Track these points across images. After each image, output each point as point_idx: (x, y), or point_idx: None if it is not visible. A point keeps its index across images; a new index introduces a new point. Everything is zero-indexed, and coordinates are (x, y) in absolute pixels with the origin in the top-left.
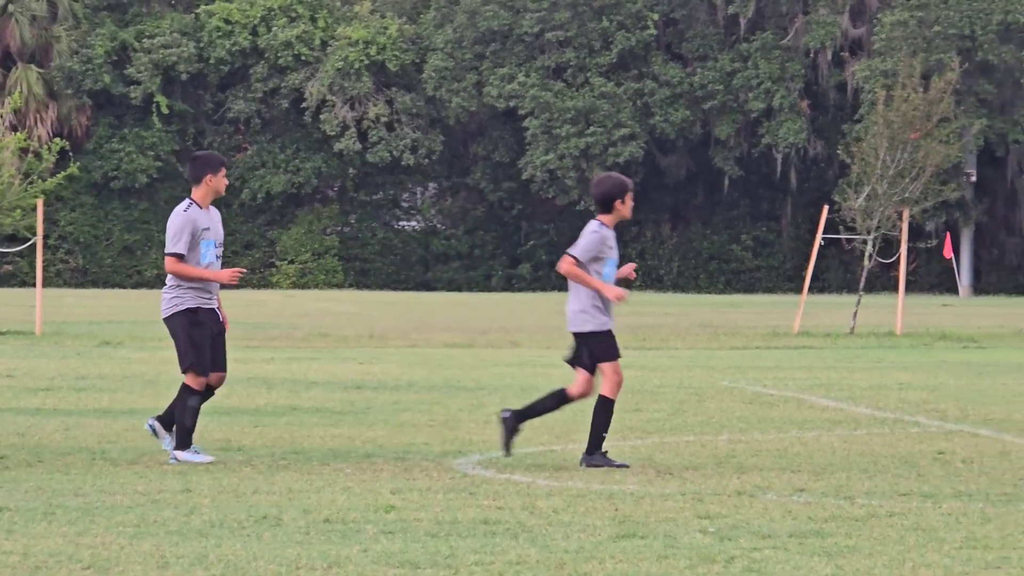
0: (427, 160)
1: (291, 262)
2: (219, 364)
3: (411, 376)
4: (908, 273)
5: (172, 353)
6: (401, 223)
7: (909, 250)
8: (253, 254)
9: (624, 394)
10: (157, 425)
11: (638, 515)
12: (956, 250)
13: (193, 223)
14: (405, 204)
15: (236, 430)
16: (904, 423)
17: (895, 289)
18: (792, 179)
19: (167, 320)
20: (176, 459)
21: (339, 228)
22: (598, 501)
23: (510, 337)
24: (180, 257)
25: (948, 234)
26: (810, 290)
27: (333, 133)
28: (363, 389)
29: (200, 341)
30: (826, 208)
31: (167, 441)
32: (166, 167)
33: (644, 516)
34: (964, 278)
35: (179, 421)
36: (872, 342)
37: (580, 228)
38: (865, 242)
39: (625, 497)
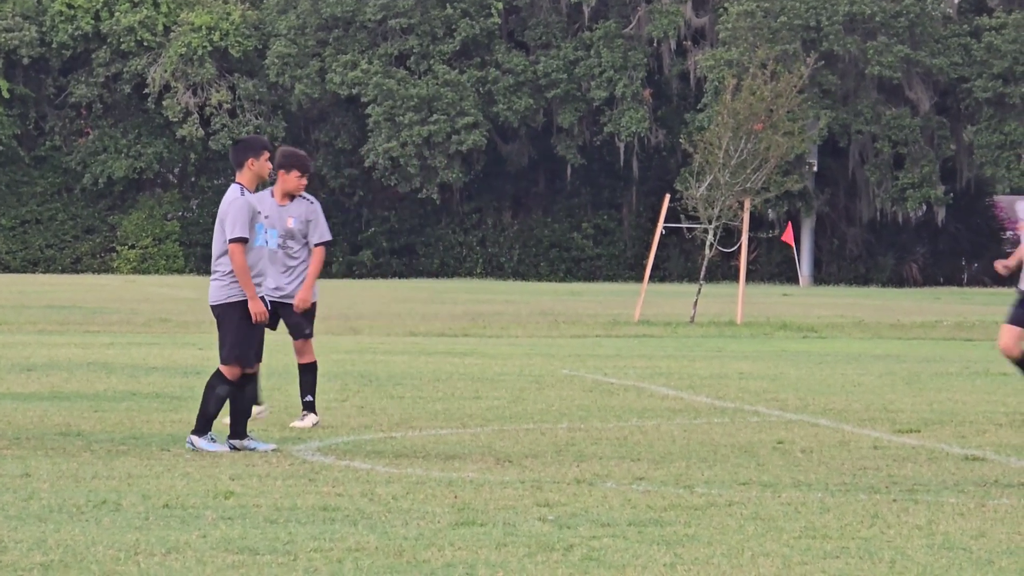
0: None
1: (132, 247)
2: (259, 354)
3: None
4: (749, 263)
5: (9, 336)
6: None
7: (750, 240)
8: (94, 239)
9: (463, 381)
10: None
11: (477, 503)
12: (797, 240)
13: (251, 207)
14: None
15: (76, 415)
16: (744, 412)
17: (736, 278)
18: (634, 168)
19: (217, 307)
20: (192, 444)
21: (180, 214)
22: (437, 488)
23: (350, 324)
24: (246, 241)
25: (790, 223)
26: (651, 279)
27: (176, 119)
28: (203, 375)
29: (249, 334)
30: (668, 197)
31: (260, 445)
32: (7, 151)
33: (483, 504)
34: (805, 268)
35: (203, 407)
36: (713, 331)
37: (422, 215)
38: (706, 231)
39: (464, 484)
